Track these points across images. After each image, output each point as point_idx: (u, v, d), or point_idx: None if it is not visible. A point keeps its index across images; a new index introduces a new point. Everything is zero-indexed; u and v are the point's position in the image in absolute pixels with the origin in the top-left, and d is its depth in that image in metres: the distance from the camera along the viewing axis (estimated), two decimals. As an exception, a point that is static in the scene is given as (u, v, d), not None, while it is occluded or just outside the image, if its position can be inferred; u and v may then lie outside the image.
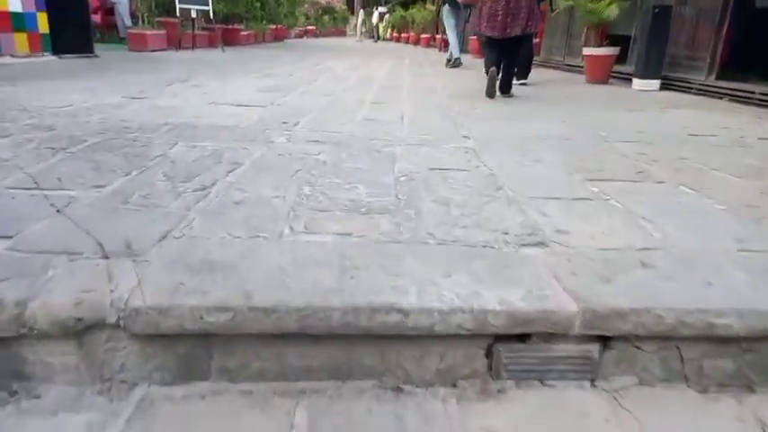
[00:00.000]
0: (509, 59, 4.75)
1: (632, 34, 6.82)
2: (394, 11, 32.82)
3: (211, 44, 12.53)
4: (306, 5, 35.51)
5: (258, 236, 1.44)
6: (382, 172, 2.13)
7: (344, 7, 52.60)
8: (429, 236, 1.49)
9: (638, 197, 1.93)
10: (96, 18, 12.14)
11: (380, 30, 33.71)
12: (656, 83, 5.86)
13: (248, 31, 15.59)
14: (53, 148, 2.24)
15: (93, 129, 2.67)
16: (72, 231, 1.40)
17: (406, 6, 31.80)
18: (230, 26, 14.29)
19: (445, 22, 8.96)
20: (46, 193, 1.69)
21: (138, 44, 9.28)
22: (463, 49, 9.32)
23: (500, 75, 4.75)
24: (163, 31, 9.98)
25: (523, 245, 1.45)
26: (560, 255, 1.39)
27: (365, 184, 1.95)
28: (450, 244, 1.44)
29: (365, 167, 2.19)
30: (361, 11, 31.33)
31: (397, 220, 1.59)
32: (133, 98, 3.75)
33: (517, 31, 4.55)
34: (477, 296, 1.15)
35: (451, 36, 8.79)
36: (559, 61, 9.01)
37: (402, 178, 2.05)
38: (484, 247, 1.43)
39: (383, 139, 2.73)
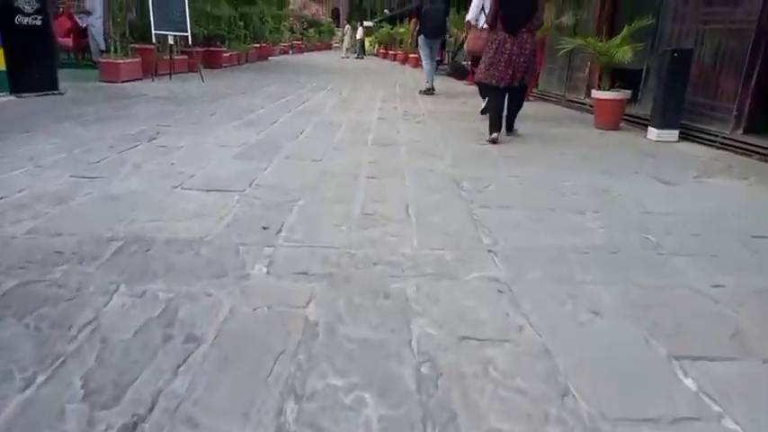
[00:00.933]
0: (512, 102, 5.20)
1: (642, 69, 6.33)
2: (381, 27, 32.46)
3: (191, 68, 11.90)
4: (291, 19, 35.04)
5: None
6: (396, 350, 1.55)
7: (330, 20, 52.37)
8: None
9: (757, 407, 1.37)
10: (68, 41, 11.48)
11: (367, 45, 33.34)
12: (674, 133, 5.38)
13: (231, 52, 14.98)
14: (-61, 313, 1.63)
15: (15, 255, 2.05)
16: None
17: (393, 22, 31.48)
18: (211, 48, 13.68)
19: (420, 52, 9.37)
20: None
21: (110, 74, 8.63)
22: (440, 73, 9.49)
23: (505, 115, 5.20)
24: (137, 59, 9.33)
25: None
26: None
27: (374, 389, 1.37)
28: None
29: (372, 337, 1.61)
30: (348, 27, 30.88)
31: None
32: (83, 178, 3.13)
33: (516, 82, 4.97)
34: None
35: (426, 65, 9.21)
36: (559, 95, 8.55)
37: (425, 366, 1.47)
38: None
39: (389, 262, 2.15)
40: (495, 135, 4.88)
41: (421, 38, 8.94)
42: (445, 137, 5.15)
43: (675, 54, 5.21)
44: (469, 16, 6.62)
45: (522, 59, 4.85)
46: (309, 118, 5.94)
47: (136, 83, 8.85)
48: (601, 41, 5.92)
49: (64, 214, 2.52)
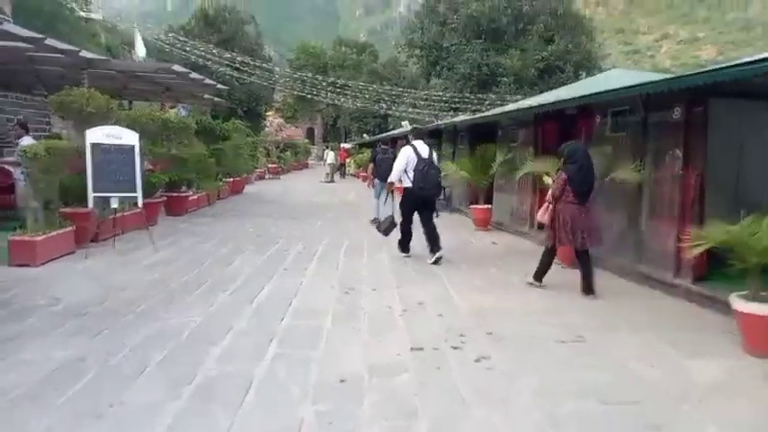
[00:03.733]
0: (583, 265, 5.62)
1: None
2: (360, 152, 31.75)
3: (149, 219, 9.83)
4: (267, 143, 34.28)
5: None
6: None
7: (306, 140, 52.54)
8: None
9: None
10: (-8, 197, 9.31)
11: (347, 167, 32.34)
12: None
13: (199, 194, 13.00)
14: None
15: None
16: None
17: (372, 146, 30.81)
18: (175, 193, 11.66)
19: (374, 191, 10.93)
20: None
21: (23, 256, 6.34)
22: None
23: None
24: (68, 229, 7.12)
25: None
26: None
27: None
28: None
29: None
30: (326, 152, 30.01)
31: None
32: None
33: (588, 245, 5.56)
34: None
35: (375, 201, 10.73)
36: (624, 266, 6.54)
37: None
38: None
39: None
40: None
41: (376, 181, 10.80)
42: None
43: None
44: (393, 178, 7.42)
45: (588, 224, 5.53)
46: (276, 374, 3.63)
47: (60, 264, 6.55)
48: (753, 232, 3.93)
49: None
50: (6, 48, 7.94)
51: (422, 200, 7.13)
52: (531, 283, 5.86)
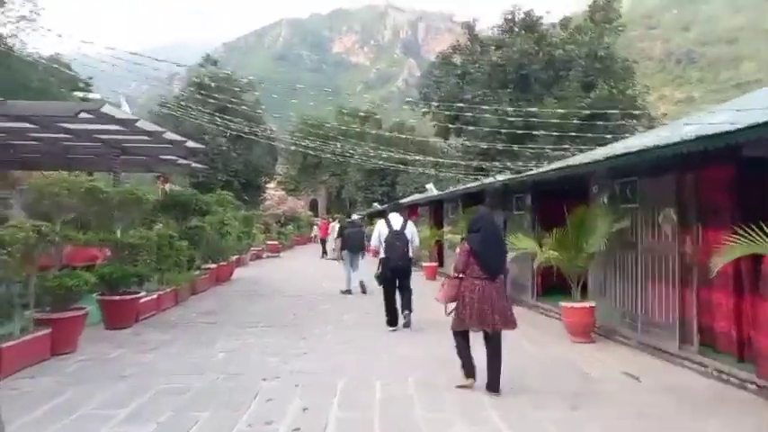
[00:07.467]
0: (493, 353, 4.72)
1: None
2: (371, 224, 28.56)
3: (63, 345, 6.34)
4: (265, 218, 31.01)
5: None
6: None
7: (309, 213, 49.32)
8: None
9: None
10: None
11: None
12: None
13: (160, 292, 9.31)
14: None
15: None
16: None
17: (381, 215, 27.56)
18: (118, 295, 7.97)
19: (344, 261, 11.74)
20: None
21: None
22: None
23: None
24: None
25: None
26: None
27: None
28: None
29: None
30: (331, 224, 26.71)
31: None
32: None
33: (498, 327, 4.68)
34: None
35: (346, 271, 11.59)
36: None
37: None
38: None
39: None
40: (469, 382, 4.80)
41: (344, 252, 11.56)
42: None
43: None
44: (374, 244, 8.19)
45: (499, 303, 4.75)
46: None
47: None
48: None
49: None
50: None
51: (392, 269, 7.51)
52: (462, 386, 4.80)
